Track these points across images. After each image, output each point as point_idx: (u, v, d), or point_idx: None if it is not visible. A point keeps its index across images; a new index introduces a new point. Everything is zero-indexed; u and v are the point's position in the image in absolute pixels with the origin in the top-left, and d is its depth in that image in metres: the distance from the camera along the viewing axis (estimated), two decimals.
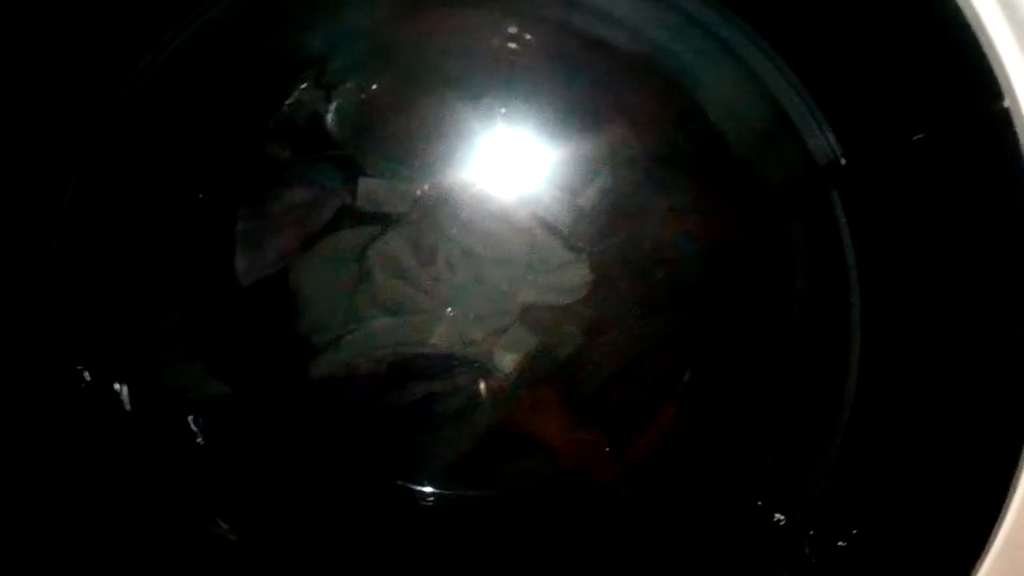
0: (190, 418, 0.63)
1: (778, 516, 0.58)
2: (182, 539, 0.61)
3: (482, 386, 0.67)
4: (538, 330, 0.68)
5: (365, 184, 0.64)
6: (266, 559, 0.63)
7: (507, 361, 0.68)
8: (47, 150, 0.54)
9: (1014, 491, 0.50)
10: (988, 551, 0.49)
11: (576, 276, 0.67)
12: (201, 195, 0.62)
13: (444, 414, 0.67)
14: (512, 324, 0.68)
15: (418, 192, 0.64)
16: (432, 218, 0.65)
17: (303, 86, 0.62)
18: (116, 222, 0.58)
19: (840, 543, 0.55)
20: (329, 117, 0.63)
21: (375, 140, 0.65)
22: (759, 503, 0.60)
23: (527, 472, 0.69)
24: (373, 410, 0.67)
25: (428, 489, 0.67)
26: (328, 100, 0.63)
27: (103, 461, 0.60)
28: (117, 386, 0.60)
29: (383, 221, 0.65)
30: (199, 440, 0.62)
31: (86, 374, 0.58)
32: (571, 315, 0.68)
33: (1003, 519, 0.50)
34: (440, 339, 0.66)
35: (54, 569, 0.56)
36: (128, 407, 0.60)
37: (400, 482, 0.67)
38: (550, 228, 0.66)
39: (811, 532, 0.56)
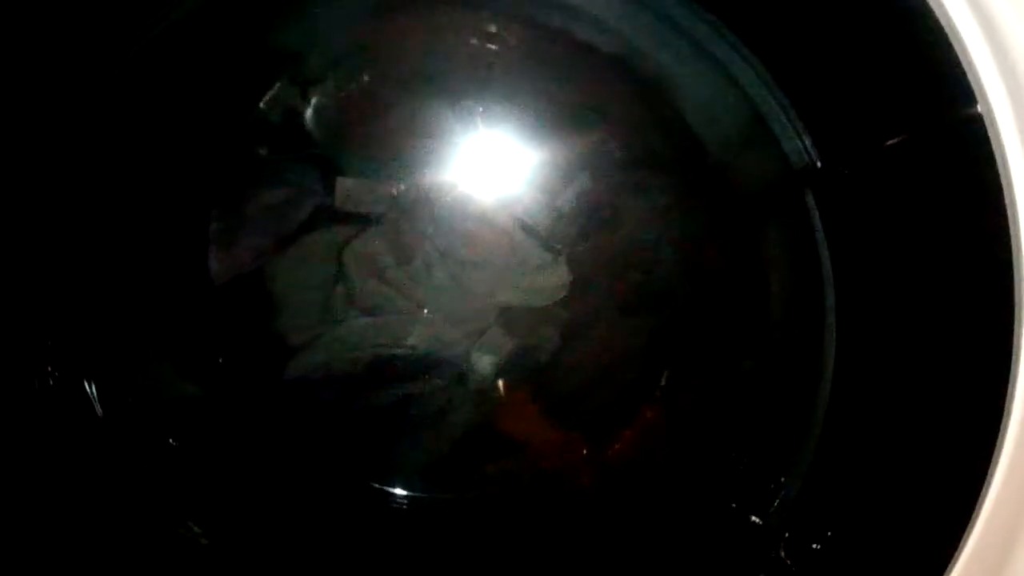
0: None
1: (754, 518, 0.58)
2: (154, 542, 0.60)
3: (459, 388, 0.67)
4: (516, 332, 0.68)
5: (342, 184, 0.64)
6: (239, 562, 0.62)
7: (484, 363, 0.67)
8: (18, 144, 0.53)
9: (986, 493, 0.50)
10: (961, 553, 0.49)
11: (554, 278, 0.67)
12: (175, 193, 0.61)
13: (421, 416, 0.66)
14: (490, 326, 0.67)
15: (396, 192, 0.64)
16: (410, 219, 0.65)
17: (279, 83, 0.62)
18: (88, 219, 0.57)
19: (815, 545, 0.55)
20: (306, 115, 0.63)
21: (353, 139, 0.64)
22: (734, 505, 0.60)
23: (503, 475, 0.68)
24: (348, 412, 0.66)
25: (402, 492, 0.67)
26: (305, 98, 0.62)
27: (73, 462, 0.59)
28: (87, 386, 0.59)
29: (361, 221, 0.64)
30: (171, 441, 0.61)
31: (55, 373, 0.57)
32: (549, 317, 0.68)
33: (976, 521, 0.50)
34: (417, 340, 0.66)
35: (25, 570, 0.55)
36: (98, 407, 0.59)
37: (375, 484, 0.66)
38: (528, 230, 0.66)
39: (786, 534, 0.56)
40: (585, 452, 0.69)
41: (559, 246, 0.66)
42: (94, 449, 0.60)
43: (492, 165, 0.65)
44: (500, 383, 0.68)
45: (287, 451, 0.66)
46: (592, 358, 0.68)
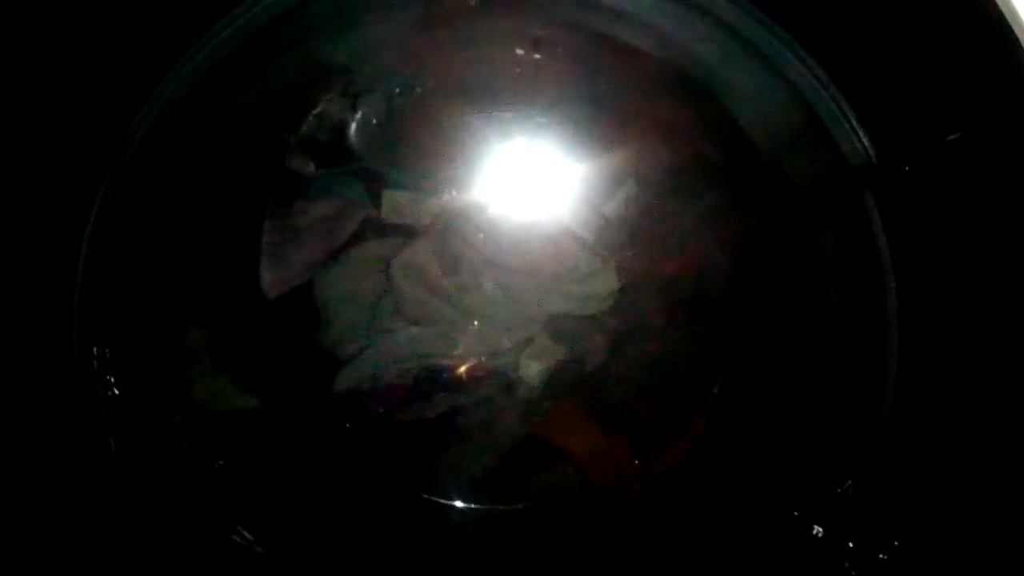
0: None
1: (817, 528, 0.57)
2: (208, 549, 0.60)
3: (507, 398, 0.67)
4: (564, 340, 0.67)
5: (390, 196, 0.64)
6: (292, 572, 0.62)
7: (533, 372, 0.67)
8: (77, 165, 0.54)
9: None
10: None
11: (603, 285, 0.66)
12: (229, 210, 0.62)
13: (470, 426, 0.66)
14: (538, 334, 0.67)
15: (442, 203, 0.64)
16: (457, 229, 0.65)
17: (328, 98, 0.62)
18: (145, 236, 0.59)
19: (882, 556, 0.53)
20: (354, 129, 0.63)
21: (400, 152, 0.64)
22: (796, 514, 0.58)
23: (554, 485, 0.68)
24: (397, 422, 0.66)
25: (454, 503, 0.66)
26: (353, 111, 0.63)
27: (130, 472, 0.59)
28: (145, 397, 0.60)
29: (408, 232, 0.64)
30: (223, 454, 0.62)
31: (114, 386, 0.58)
32: (598, 325, 0.67)
33: None
34: (465, 350, 0.66)
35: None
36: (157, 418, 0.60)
37: (426, 495, 0.66)
38: (576, 237, 0.66)
39: (851, 544, 0.55)
40: (637, 462, 0.68)
41: (607, 253, 0.66)
42: (151, 460, 0.61)
43: (538, 173, 0.64)
44: (549, 392, 0.67)
45: (339, 462, 0.66)
46: (643, 366, 0.67)
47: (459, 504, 0.67)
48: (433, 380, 0.65)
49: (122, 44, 0.51)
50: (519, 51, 0.60)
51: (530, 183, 0.65)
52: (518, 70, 0.61)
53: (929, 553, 0.52)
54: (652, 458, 0.68)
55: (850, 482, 0.56)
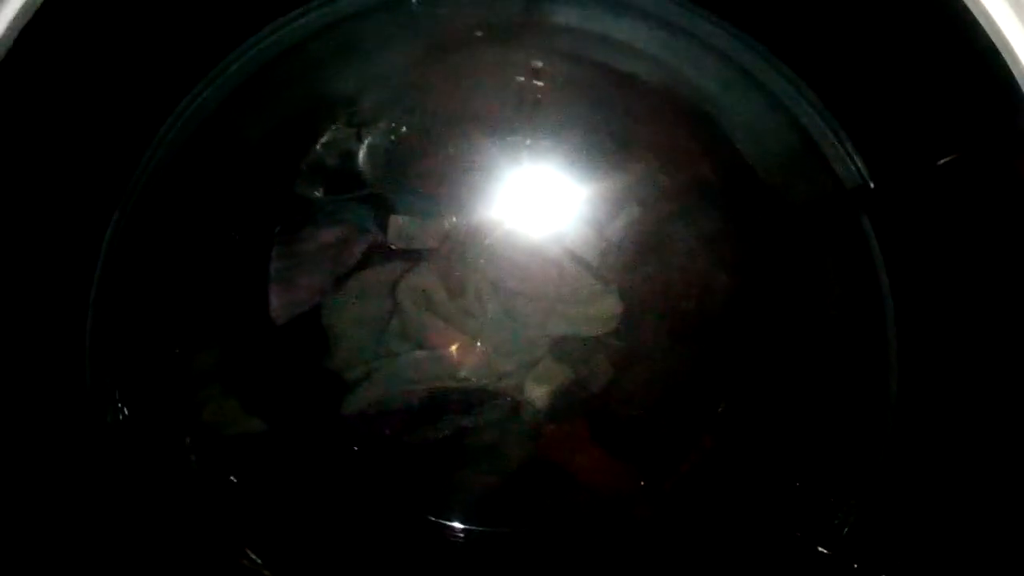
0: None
1: (821, 549, 0.57)
2: (216, 573, 0.61)
3: (513, 420, 0.67)
4: (569, 362, 0.68)
5: (395, 221, 0.65)
6: None
7: (538, 394, 0.67)
8: (87, 192, 0.55)
9: None
10: None
11: (606, 308, 0.67)
12: (236, 236, 0.64)
13: (475, 449, 0.67)
14: (543, 356, 0.68)
15: (447, 227, 0.65)
16: (462, 253, 0.66)
17: (334, 127, 0.64)
18: (154, 263, 0.60)
19: None
20: (360, 156, 0.65)
21: (405, 178, 0.66)
22: (800, 535, 0.58)
23: (559, 507, 0.68)
24: (404, 445, 0.67)
25: (459, 525, 0.67)
26: (359, 139, 0.64)
27: (138, 495, 0.60)
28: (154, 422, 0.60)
29: (414, 257, 0.66)
30: (232, 479, 0.63)
31: (124, 410, 0.59)
32: (602, 347, 0.68)
33: None
34: (471, 372, 0.66)
35: None
36: (165, 442, 0.61)
37: (432, 518, 0.66)
38: (579, 261, 0.66)
39: (855, 565, 0.55)
40: (642, 483, 0.68)
41: (610, 276, 0.66)
42: (160, 483, 0.61)
43: (541, 198, 0.65)
44: (555, 414, 0.68)
45: (345, 484, 0.66)
46: (647, 388, 0.67)
47: (464, 526, 0.67)
48: (438, 403, 0.66)
49: (130, 80, 0.52)
50: (519, 79, 0.62)
51: (533, 208, 0.66)
52: (519, 97, 0.63)
53: (931, 574, 0.52)
54: (658, 478, 0.68)
55: (853, 503, 0.56)
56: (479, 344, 0.67)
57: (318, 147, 0.64)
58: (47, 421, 0.56)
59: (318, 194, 0.66)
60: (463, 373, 0.66)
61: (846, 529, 0.56)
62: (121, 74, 0.53)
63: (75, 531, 0.56)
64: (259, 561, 0.62)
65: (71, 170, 0.53)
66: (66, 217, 0.55)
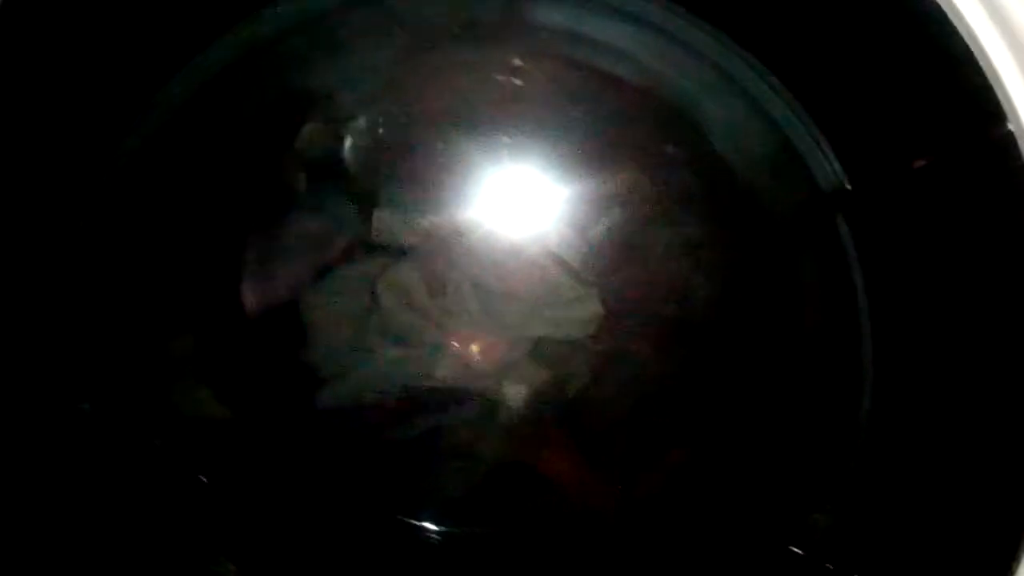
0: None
1: (795, 549, 0.57)
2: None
3: (489, 421, 0.67)
4: (548, 364, 0.68)
5: (379, 216, 0.65)
6: None
7: (515, 395, 0.67)
8: (59, 177, 0.55)
9: None
10: None
11: (586, 311, 0.67)
12: (212, 224, 0.63)
13: (450, 448, 0.66)
14: (522, 358, 0.67)
15: (429, 225, 0.65)
16: (443, 251, 0.65)
17: (313, 123, 0.63)
18: (126, 250, 0.59)
19: None
20: (342, 152, 0.64)
21: (385, 175, 0.65)
22: (774, 536, 0.58)
23: (532, 510, 0.67)
24: (378, 444, 0.66)
25: (432, 526, 0.66)
26: (338, 136, 0.64)
27: (106, 497, 0.59)
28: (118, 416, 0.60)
29: (395, 253, 0.65)
30: (202, 479, 0.62)
31: (86, 405, 0.58)
32: (581, 350, 0.68)
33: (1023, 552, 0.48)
34: (448, 372, 0.66)
35: None
36: (131, 439, 0.60)
37: (403, 518, 0.66)
38: (560, 263, 0.66)
39: (828, 566, 0.55)
40: (617, 485, 0.68)
41: (591, 278, 0.66)
42: (127, 484, 0.61)
43: (522, 198, 0.65)
44: (531, 416, 0.67)
45: (317, 486, 0.66)
46: (624, 391, 0.67)
47: (436, 528, 0.67)
48: (414, 401, 0.66)
49: (103, 73, 0.52)
50: (500, 78, 0.62)
51: (514, 207, 0.65)
52: (499, 97, 0.63)
53: (904, 574, 0.52)
54: (633, 480, 0.68)
55: (827, 505, 0.57)
56: (458, 344, 0.66)
57: (297, 141, 0.63)
58: (15, 412, 0.55)
59: (299, 185, 0.65)
60: (440, 372, 0.66)
61: (820, 530, 0.56)
62: (95, 67, 0.52)
63: (40, 537, 0.55)
64: (232, 567, 0.61)
65: (44, 156, 0.53)
66: (37, 206, 0.54)
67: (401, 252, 0.65)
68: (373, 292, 0.65)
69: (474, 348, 0.67)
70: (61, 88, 0.51)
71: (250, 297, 0.63)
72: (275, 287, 0.64)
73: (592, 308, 0.67)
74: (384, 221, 0.64)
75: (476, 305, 0.66)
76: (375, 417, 0.66)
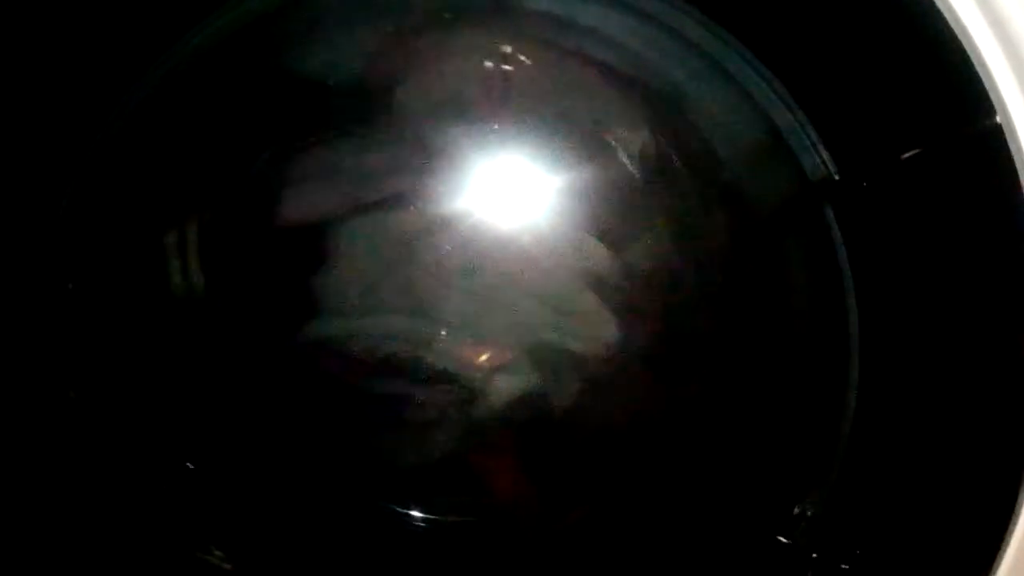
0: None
1: (781, 539, 0.57)
2: (177, 567, 0.60)
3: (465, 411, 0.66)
4: (540, 370, 0.67)
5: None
6: None
7: (497, 391, 0.66)
8: (44, 162, 0.54)
9: (1020, 511, 0.49)
10: (995, 572, 0.48)
11: (599, 325, 0.66)
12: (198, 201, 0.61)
13: (411, 421, 0.65)
14: (517, 358, 0.67)
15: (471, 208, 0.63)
16: (475, 236, 0.64)
17: (304, 109, 0.62)
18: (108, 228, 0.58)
19: (844, 566, 0.54)
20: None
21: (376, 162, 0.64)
22: (760, 526, 0.59)
23: (521, 500, 0.67)
24: (365, 431, 0.65)
25: (417, 514, 0.66)
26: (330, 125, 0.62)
27: (93, 484, 0.59)
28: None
29: (434, 221, 0.63)
30: (189, 464, 0.61)
31: (72, 392, 0.57)
32: (578, 362, 0.67)
33: (1010, 539, 0.49)
34: (443, 351, 0.65)
35: None
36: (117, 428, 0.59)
37: (388, 505, 0.65)
38: (596, 279, 0.65)
39: (814, 555, 0.55)
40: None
41: (588, 276, 0.66)
42: (113, 471, 0.60)
43: (510, 187, 0.65)
44: (503, 417, 0.67)
45: (303, 472, 0.65)
46: (605, 369, 0.67)
47: (424, 515, 0.66)
48: (395, 367, 0.64)
49: (85, 54, 0.51)
50: (488, 64, 0.61)
51: (501, 198, 0.65)
52: (488, 83, 0.62)
53: (889, 564, 0.53)
54: (616, 472, 0.67)
55: (813, 494, 0.57)
56: (461, 329, 0.65)
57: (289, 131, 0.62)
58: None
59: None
60: (435, 349, 0.65)
61: (806, 519, 0.57)
62: (72, 52, 0.52)
63: (24, 526, 0.55)
64: (219, 554, 0.61)
65: (20, 143, 0.52)
66: (15, 189, 0.53)
67: (441, 223, 0.62)
68: (401, 252, 0.62)
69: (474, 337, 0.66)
70: (52, 60, 0.50)
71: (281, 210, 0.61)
72: (307, 206, 0.61)
73: (604, 322, 0.66)
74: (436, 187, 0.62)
75: (493, 298, 0.65)
76: (351, 366, 0.64)
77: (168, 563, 0.60)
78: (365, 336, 0.63)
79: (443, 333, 0.65)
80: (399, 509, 0.66)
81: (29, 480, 0.56)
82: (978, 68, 0.47)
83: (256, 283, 0.63)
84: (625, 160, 0.64)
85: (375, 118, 0.63)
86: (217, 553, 0.60)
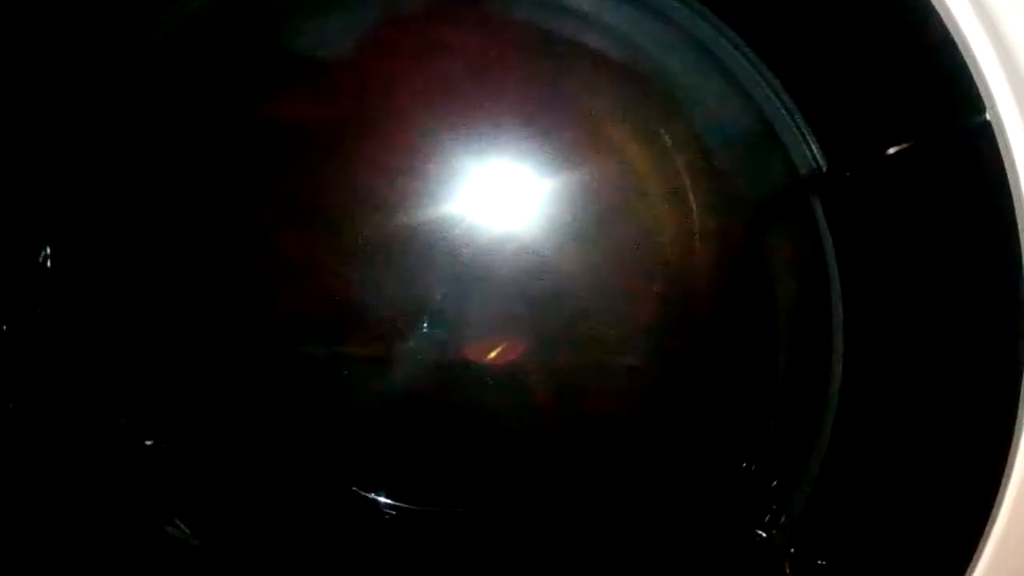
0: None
1: (759, 533, 0.57)
2: (145, 541, 0.59)
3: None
4: (519, 365, 0.66)
5: None
6: (230, 564, 0.61)
7: (472, 383, 0.65)
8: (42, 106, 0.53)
9: (999, 509, 0.49)
10: (972, 571, 0.48)
11: (562, 298, 0.66)
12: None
13: (383, 407, 0.64)
14: (497, 354, 0.66)
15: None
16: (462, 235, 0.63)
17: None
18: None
19: (821, 561, 0.54)
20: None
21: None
22: (739, 520, 0.58)
23: (492, 490, 0.67)
24: (338, 414, 0.64)
25: (386, 500, 0.65)
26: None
27: (60, 461, 0.58)
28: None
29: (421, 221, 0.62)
30: (156, 443, 0.61)
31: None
32: (559, 357, 0.67)
33: (987, 538, 0.49)
34: (418, 342, 0.64)
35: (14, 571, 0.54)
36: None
37: (357, 490, 0.65)
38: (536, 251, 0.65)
39: (792, 550, 0.55)
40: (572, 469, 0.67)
41: (568, 265, 0.65)
42: (81, 446, 0.59)
43: (501, 185, 0.64)
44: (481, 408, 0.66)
45: (273, 452, 0.64)
46: (590, 367, 0.66)
47: (392, 503, 0.66)
48: (382, 319, 0.64)
49: (71, 26, 0.51)
50: (478, 53, 0.61)
51: (492, 196, 0.64)
52: (480, 75, 0.61)
53: (866, 561, 0.52)
54: (594, 463, 0.66)
55: (792, 489, 0.57)
56: (441, 321, 0.65)
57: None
58: None
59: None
60: (408, 342, 0.64)
61: (785, 515, 0.57)
62: (59, 22, 0.51)
63: None
64: (187, 530, 0.60)
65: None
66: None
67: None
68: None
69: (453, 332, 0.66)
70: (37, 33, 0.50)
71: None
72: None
73: (567, 294, 0.66)
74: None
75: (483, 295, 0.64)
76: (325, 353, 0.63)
77: (137, 538, 0.59)
78: (339, 323, 0.63)
79: (424, 326, 0.65)
80: (367, 494, 0.65)
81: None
82: (969, 65, 0.47)
83: (233, 266, 0.63)
84: (615, 152, 0.64)
85: (363, 108, 0.63)
86: (184, 529, 0.60)
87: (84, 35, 0.53)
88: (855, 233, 0.54)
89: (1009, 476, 0.47)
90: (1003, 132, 0.47)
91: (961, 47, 0.47)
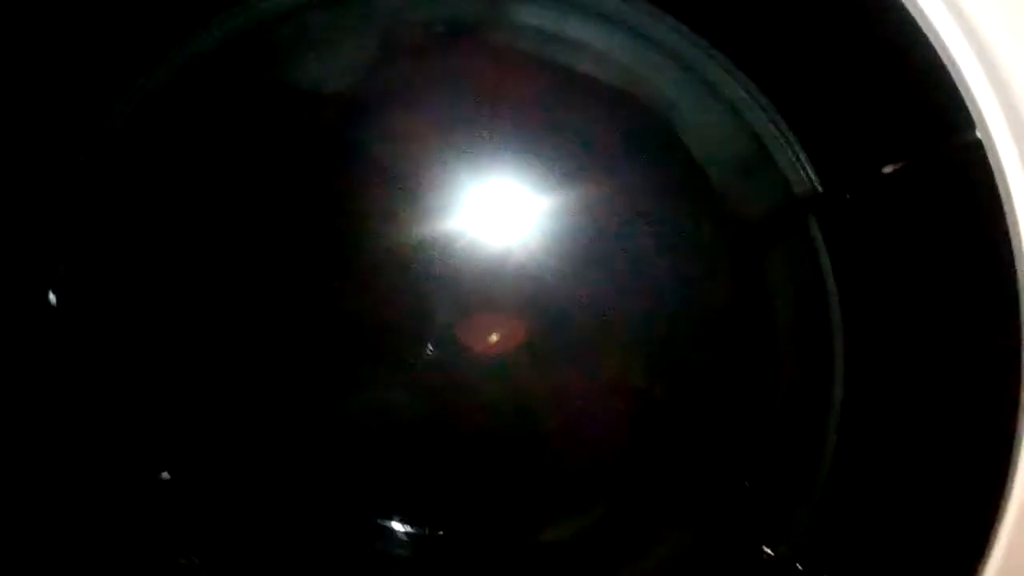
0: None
1: (766, 550, 0.57)
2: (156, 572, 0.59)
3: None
4: (524, 385, 0.67)
5: None
6: None
7: (479, 405, 0.66)
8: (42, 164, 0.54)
9: (1002, 523, 0.49)
10: None
11: (583, 339, 0.66)
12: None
13: (393, 433, 0.64)
14: (501, 373, 0.66)
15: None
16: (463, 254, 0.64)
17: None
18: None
19: None
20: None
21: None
22: (745, 537, 0.58)
23: (503, 514, 0.67)
24: (348, 441, 0.65)
25: (398, 526, 0.65)
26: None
27: (72, 491, 0.58)
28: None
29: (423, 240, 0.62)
30: (165, 475, 0.61)
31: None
32: (562, 375, 0.67)
33: (992, 551, 0.49)
34: (425, 365, 0.65)
35: None
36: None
37: (369, 517, 0.65)
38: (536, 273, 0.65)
39: (798, 566, 0.55)
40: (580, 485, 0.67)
41: (568, 286, 0.66)
42: (92, 478, 0.59)
43: (501, 205, 0.65)
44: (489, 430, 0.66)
45: (284, 482, 0.65)
46: (590, 387, 0.67)
47: (405, 529, 0.66)
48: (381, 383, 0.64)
49: (73, 66, 0.52)
50: (478, 78, 0.62)
51: (490, 216, 0.65)
52: (476, 101, 0.62)
53: (874, 573, 0.53)
54: (598, 480, 0.67)
55: (798, 506, 0.57)
56: (446, 343, 0.65)
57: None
58: None
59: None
60: (415, 365, 0.65)
61: (790, 530, 0.57)
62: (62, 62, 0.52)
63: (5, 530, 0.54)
64: (198, 561, 0.60)
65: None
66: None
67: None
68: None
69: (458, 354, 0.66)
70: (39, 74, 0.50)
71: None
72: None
73: (569, 315, 0.66)
74: None
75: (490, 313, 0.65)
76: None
77: (148, 570, 0.59)
78: (345, 347, 0.64)
79: (428, 349, 0.65)
80: (380, 521, 0.65)
81: (6, 486, 0.55)
82: (958, 84, 0.48)
83: (240, 290, 0.63)
84: (612, 176, 0.65)
85: (365, 131, 0.64)
86: (195, 561, 0.60)
87: (82, 85, 0.54)
88: (852, 252, 0.55)
89: (1011, 491, 0.48)
90: (993, 149, 0.48)
91: (950, 67, 0.48)
